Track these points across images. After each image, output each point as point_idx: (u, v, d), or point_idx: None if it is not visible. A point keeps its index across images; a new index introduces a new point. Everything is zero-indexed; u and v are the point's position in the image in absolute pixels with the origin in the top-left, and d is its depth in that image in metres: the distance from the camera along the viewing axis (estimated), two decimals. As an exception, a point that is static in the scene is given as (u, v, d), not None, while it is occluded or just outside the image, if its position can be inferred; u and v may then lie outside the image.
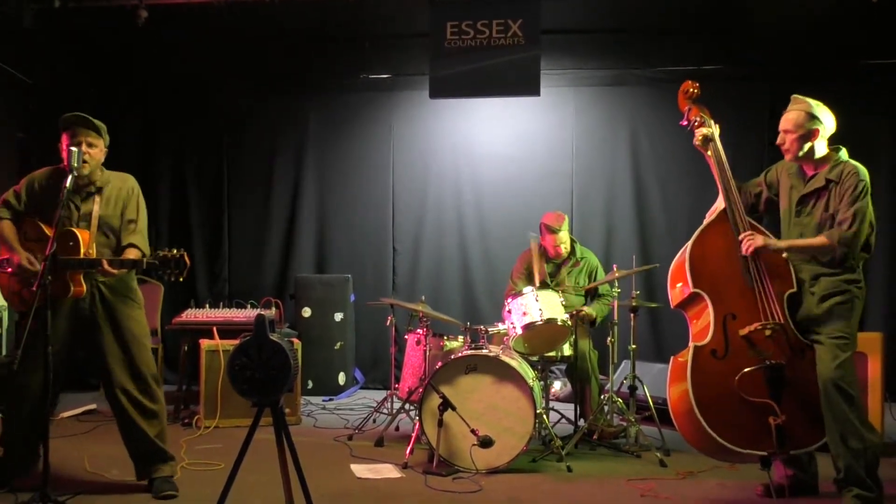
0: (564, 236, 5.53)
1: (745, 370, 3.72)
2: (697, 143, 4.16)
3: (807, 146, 3.86)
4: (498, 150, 7.42)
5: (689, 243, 3.98)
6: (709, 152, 4.12)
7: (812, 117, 3.86)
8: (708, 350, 3.79)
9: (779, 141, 3.96)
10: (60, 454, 4.59)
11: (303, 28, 7.16)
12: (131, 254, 3.93)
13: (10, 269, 3.96)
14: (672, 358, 3.96)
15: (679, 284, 4.02)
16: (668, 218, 7.17)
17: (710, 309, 3.85)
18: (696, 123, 4.22)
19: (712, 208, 4.18)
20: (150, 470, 4.04)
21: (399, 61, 7.42)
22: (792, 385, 3.75)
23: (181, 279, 3.74)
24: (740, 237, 3.88)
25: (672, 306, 4.13)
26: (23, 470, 3.97)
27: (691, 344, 3.83)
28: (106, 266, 3.78)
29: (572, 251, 5.64)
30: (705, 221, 4.11)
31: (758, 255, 3.86)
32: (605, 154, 7.31)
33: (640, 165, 7.23)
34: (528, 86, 6.74)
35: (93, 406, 5.98)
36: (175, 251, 3.72)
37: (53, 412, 4.23)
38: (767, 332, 3.73)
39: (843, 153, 3.93)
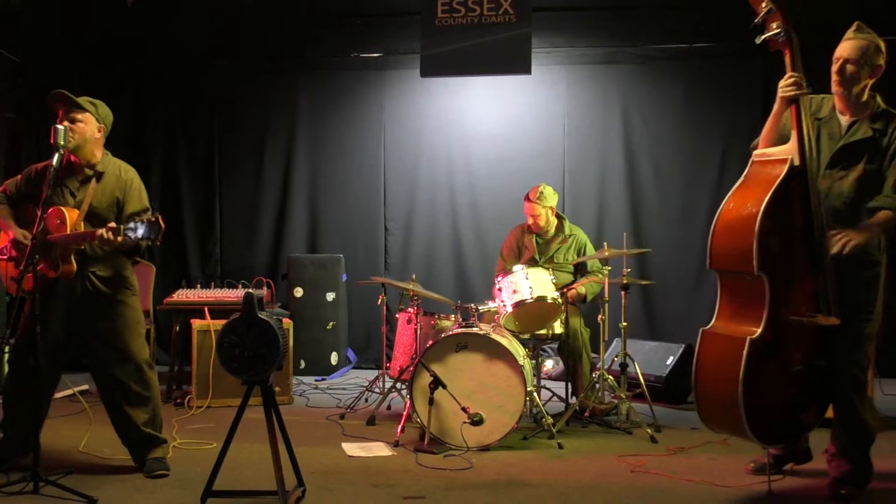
0: (538, 209, 5.50)
1: (796, 369, 3.43)
2: (788, 97, 3.46)
3: (864, 81, 3.46)
4: (489, 128, 7.40)
5: (760, 211, 3.29)
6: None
7: (879, 51, 3.46)
8: (761, 342, 3.31)
9: (835, 69, 3.49)
10: (52, 434, 4.59)
11: (294, 6, 7.11)
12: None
13: (4, 256, 3.96)
14: (702, 331, 3.55)
15: (734, 253, 3.39)
16: (660, 196, 7.18)
17: (767, 295, 3.32)
18: (781, 39, 3.42)
19: (768, 153, 3.53)
20: (143, 453, 4.05)
21: (390, 40, 7.38)
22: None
23: (158, 243, 3.68)
24: (834, 234, 3.36)
25: (710, 266, 3.55)
26: (20, 452, 3.97)
27: (746, 338, 3.31)
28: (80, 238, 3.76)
29: (560, 227, 5.63)
30: (760, 172, 3.44)
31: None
32: (597, 132, 7.29)
33: (633, 143, 7.23)
34: (519, 64, 6.70)
35: (85, 387, 5.97)
36: (150, 216, 3.68)
37: (53, 393, 4.22)
38: (815, 324, 3.38)
39: (880, 100, 3.55)
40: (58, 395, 5.72)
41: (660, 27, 7.06)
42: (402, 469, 4.17)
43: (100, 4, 6.73)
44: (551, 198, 5.54)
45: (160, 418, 4.16)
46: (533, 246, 5.58)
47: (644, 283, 5.88)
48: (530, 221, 5.54)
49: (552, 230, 5.61)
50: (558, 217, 5.66)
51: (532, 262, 5.45)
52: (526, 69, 6.70)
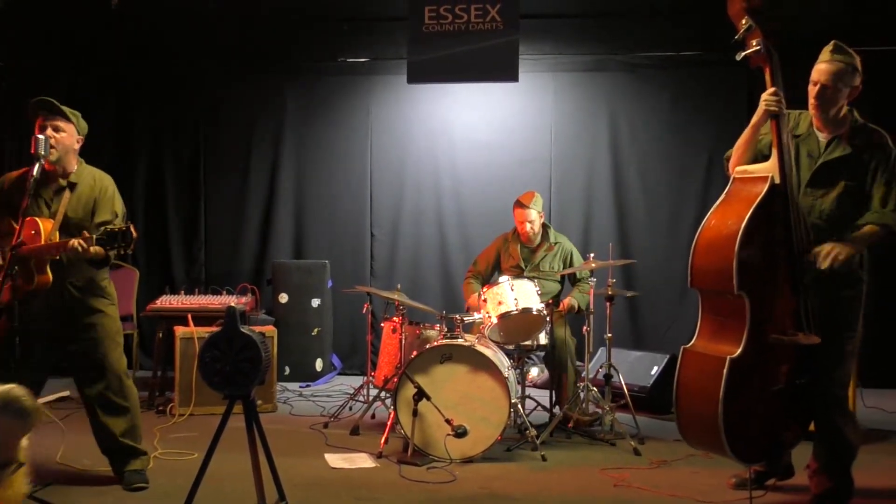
0: (533, 215, 5.48)
1: (777, 388, 3.40)
2: (771, 111, 3.41)
3: (842, 103, 3.46)
4: (476, 135, 7.38)
5: (740, 229, 3.25)
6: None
7: (856, 71, 3.43)
8: (741, 361, 3.28)
9: (813, 93, 3.48)
10: (31, 443, 4.53)
11: (280, 10, 7.07)
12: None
13: None
14: (683, 350, 3.51)
15: (714, 272, 3.35)
16: (646, 205, 7.16)
17: (748, 314, 3.29)
18: (761, 56, 3.39)
19: (749, 170, 3.50)
20: (121, 464, 4.03)
21: (377, 45, 7.34)
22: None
23: (130, 251, 3.66)
24: (819, 250, 3.33)
25: (691, 285, 3.49)
26: None
27: (726, 358, 3.28)
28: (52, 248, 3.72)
29: (546, 235, 5.62)
30: (741, 190, 3.41)
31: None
32: (584, 140, 7.28)
33: (620, 152, 7.21)
34: (506, 71, 6.68)
35: (66, 393, 5.92)
36: (121, 224, 3.65)
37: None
38: (796, 342, 3.35)
39: (857, 115, 3.56)
40: (40, 400, 5.69)
41: (647, 35, 7.06)
42: (384, 482, 4.16)
43: (84, 7, 6.67)
44: (540, 203, 5.56)
45: (139, 429, 4.12)
46: (518, 254, 5.56)
47: (629, 294, 5.87)
48: (527, 228, 5.50)
49: (538, 238, 5.60)
50: (543, 225, 5.66)
51: (517, 271, 5.44)
52: (513, 76, 6.69)
